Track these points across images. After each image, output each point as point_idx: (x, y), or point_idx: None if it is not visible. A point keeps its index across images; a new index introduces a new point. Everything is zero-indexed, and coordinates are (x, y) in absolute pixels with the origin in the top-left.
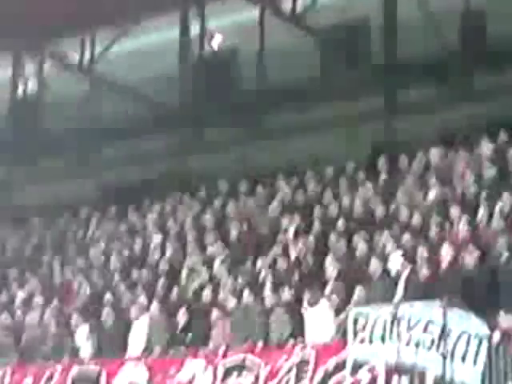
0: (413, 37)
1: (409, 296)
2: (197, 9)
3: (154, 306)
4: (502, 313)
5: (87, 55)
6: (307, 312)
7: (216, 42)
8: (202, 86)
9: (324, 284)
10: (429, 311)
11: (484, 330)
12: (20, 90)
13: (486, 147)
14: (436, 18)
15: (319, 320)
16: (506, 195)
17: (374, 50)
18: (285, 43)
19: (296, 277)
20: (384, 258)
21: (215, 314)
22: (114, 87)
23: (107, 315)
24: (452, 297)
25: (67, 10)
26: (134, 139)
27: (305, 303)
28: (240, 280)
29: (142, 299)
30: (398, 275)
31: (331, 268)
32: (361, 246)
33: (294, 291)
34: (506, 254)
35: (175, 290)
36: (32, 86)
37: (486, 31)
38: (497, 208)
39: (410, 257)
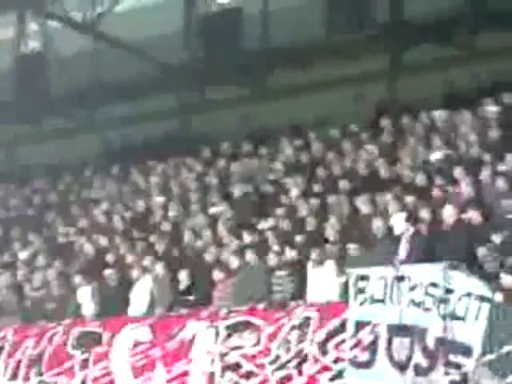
0: None
1: (412, 256)
2: None
3: (157, 266)
4: (503, 274)
5: (91, 13)
6: (311, 272)
7: (220, 0)
8: (206, 45)
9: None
10: (430, 273)
11: (485, 291)
12: (23, 49)
13: (490, 108)
14: None
15: (322, 281)
16: (509, 156)
17: (380, 9)
18: (289, 2)
19: (299, 238)
20: (387, 219)
21: (218, 274)
22: (118, 46)
23: (110, 275)
24: (454, 258)
25: None
26: (137, 99)
27: (309, 263)
28: (243, 240)
29: (145, 259)
30: (402, 236)
31: (331, 230)
32: (364, 207)
33: (298, 252)
34: (510, 215)
35: (178, 251)
36: (35, 44)
37: None
38: (500, 169)
39: (413, 218)
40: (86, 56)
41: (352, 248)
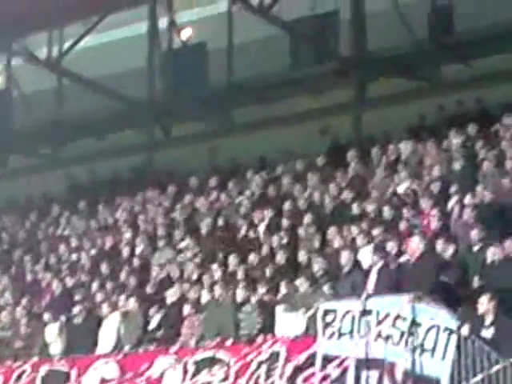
0: (381, 29)
1: (380, 289)
2: (165, 2)
3: (124, 302)
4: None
5: (55, 50)
6: (278, 307)
7: (185, 36)
8: (171, 81)
9: (296, 278)
10: (398, 305)
11: (453, 323)
12: None
13: (455, 139)
14: (404, 10)
15: (290, 315)
16: (473, 187)
17: (344, 43)
18: (254, 36)
19: (268, 272)
20: (355, 252)
21: (186, 309)
22: (83, 82)
23: (78, 312)
24: (421, 291)
25: (34, 4)
26: (103, 135)
27: (277, 298)
28: (211, 275)
29: (113, 296)
30: (370, 269)
31: (303, 262)
32: (331, 240)
33: (266, 286)
34: (477, 246)
35: (146, 286)
36: (0, 82)
37: (453, 23)
38: (467, 200)
39: (381, 250)
40: (50, 93)
41: (318, 282)
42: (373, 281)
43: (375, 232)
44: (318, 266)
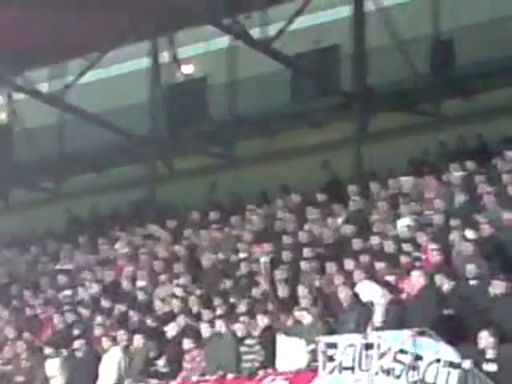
0: (383, 64)
1: (384, 323)
2: (167, 37)
3: (126, 337)
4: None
5: (57, 85)
6: (279, 341)
7: (186, 71)
8: (173, 115)
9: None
10: (399, 340)
11: (454, 357)
12: None
13: (455, 174)
14: (405, 45)
15: (291, 349)
16: (474, 221)
17: (345, 77)
18: (255, 70)
19: (269, 306)
20: (355, 286)
21: (187, 343)
22: (85, 117)
23: (79, 347)
24: (423, 325)
25: (37, 40)
26: (104, 169)
27: (278, 332)
28: (212, 309)
29: (114, 330)
30: (370, 303)
31: (303, 297)
32: (332, 274)
33: (267, 320)
34: (477, 280)
35: (148, 321)
36: (2, 116)
37: (455, 57)
38: (467, 234)
39: (385, 285)
40: (52, 127)
41: (321, 315)
42: (379, 316)
43: (377, 266)
44: (316, 300)
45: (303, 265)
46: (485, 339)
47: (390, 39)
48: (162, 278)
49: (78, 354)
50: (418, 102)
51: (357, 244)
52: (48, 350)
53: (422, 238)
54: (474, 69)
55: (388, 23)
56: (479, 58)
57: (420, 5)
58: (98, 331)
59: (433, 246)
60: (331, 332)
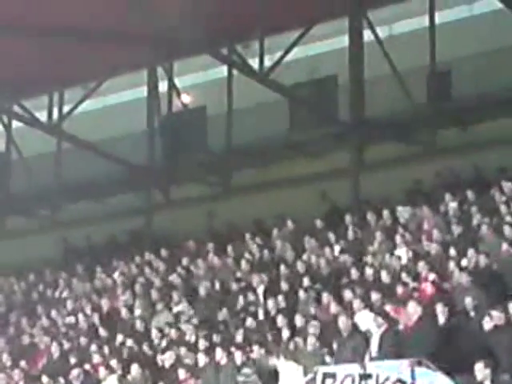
0: (379, 94)
1: (381, 353)
2: (165, 67)
3: (123, 366)
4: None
5: (55, 114)
6: (277, 370)
7: (184, 100)
8: (170, 144)
9: (294, 342)
10: (397, 370)
11: None
12: None
13: (452, 204)
14: (402, 75)
15: (289, 378)
16: (470, 251)
17: (342, 108)
18: (253, 100)
19: (266, 335)
20: (352, 316)
21: (182, 373)
22: (82, 145)
23: (76, 375)
24: (420, 355)
25: (36, 68)
26: (101, 198)
27: (275, 361)
28: (209, 338)
29: (110, 359)
30: (368, 333)
31: (300, 326)
32: (329, 304)
33: (264, 349)
34: (472, 313)
35: (144, 350)
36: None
37: (451, 89)
38: (464, 264)
39: (383, 315)
40: (50, 156)
41: (318, 345)
42: (375, 345)
43: (373, 297)
44: (313, 330)
45: (300, 295)
46: (480, 371)
47: (387, 70)
48: (159, 306)
49: (76, 383)
50: (414, 132)
51: (354, 274)
52: (45, 379)
53: (419, 268)
54: (471, 100)
55: (385, 54)
56: (476, 89)
57: (417, 36)
58: (94, 360)
59: (430, 276)
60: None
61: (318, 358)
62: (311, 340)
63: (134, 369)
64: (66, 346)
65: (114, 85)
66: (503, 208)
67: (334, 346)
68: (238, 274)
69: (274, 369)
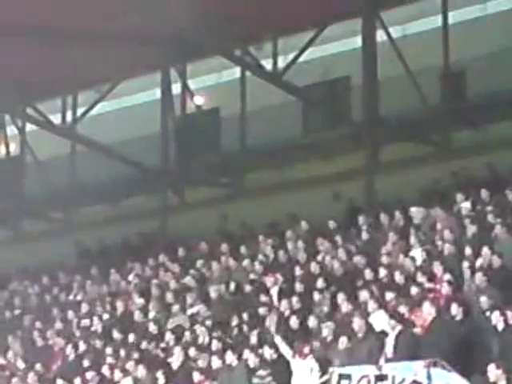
0: (393, 95)
1: (398, 354)
2: (178, 69)
3: (138, 368)
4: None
5: (69, 116)
6: (293, 369)
7: (198, 102)
8: (184, 146)
9: (309, 343)
10: (413, 371)
11: None
12: (1, 152)
13: (466, 204)
14: (416, 75)
15: (305, 379)
16: (485, 251)
17: (355, 108)
18: (266, 102)
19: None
20: (366, 317)
21: (197, 376)
22: (96, 148)
23: (91, 378)
24: (435, 356)
25: (48, 71)
26: (115, 200)
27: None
28: (223, 340)
29: (125, 361)
30: (383, 334)
31: (315, 327)
32: (344, 305)
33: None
34: (487, 313)
35: (158, 352)
36: (14, 148)
37: (465, 89)
38: (478, 264)
39: (395, 316)
40: (64, 158)
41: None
42: (391, 346)
43: (387, 297)
44: (328, 331)
45: (314, 296)
46: (492, 372)
47: (401, 70)
48: (174, 308)
49: None
50: (428, 132)
51: (368, 274)
52: (60, 382)
53: (434, 268)
54: (485, 99)
55: (398, 54)
56: (489, 88)
57: (430, 36)
58: (109, 362)
59: (445, 276)
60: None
61: (333, 358)
62: (326, 341)
63: (148, 371)
64: (81, 348)
65: (127, 87)
66: None
67: (350, 346)
68: (252, 276)
69: (289, 370)
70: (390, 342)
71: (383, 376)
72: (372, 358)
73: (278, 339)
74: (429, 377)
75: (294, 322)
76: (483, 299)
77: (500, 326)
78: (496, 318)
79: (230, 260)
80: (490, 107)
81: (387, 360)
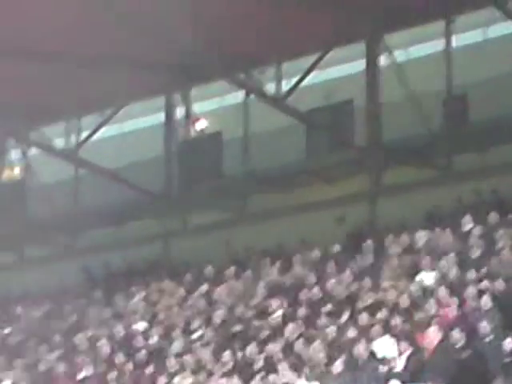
0: (396, 119)
1: (407, 378)
2: (182, 93)
3: None
4: None
5: (72, 140)
6: None
7: (201, 126)
8: (187, 170)
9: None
10: None
11: None
12: (5, 176)
13: (471, 228)
14: (419, 99)
15: None
16: (493, 275)
17: (358, 132)
18: (269, 126)
19: (286, 361)
20: (370, 341)
21: None
22: (99, 172)
23: None
24: (440, 379)
25: (52, 95)
26: (118, 224)
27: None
28: (227, 364)
29: None
30: (385, 359)
31: (319, 353)
32: (347, 330)
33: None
34: (490, 336)
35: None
36: (16, 172)
37: (468, 113)
38: (483, 288)
39: (405, 339)
40: (67, 183)
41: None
42: (400, 369)
43: (392, 322)
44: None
45: (318, 321)
46: None
47: (404, 94)
48: (177, 333)
49: None
50: (432, 156)
51: (371, 299)
52: None
53: (440, 292)
54: (488, 123)
55: (401, 78)
56: (493, 112)
57: (433, 60)
58: None
59: (452, 300)
60: None
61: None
62: (331, 364)
63: None
64: (84, 373)
65: (130, 111)
66: None
67: (353, 370)
68: (256, 300)
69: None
70: (399, 366)
71: None
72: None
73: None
74: None
75: (298, 345)
76: (485, 323)
77: (506, 348)
78: (499, 342)
79: (235, 283)
80: (493, 131)
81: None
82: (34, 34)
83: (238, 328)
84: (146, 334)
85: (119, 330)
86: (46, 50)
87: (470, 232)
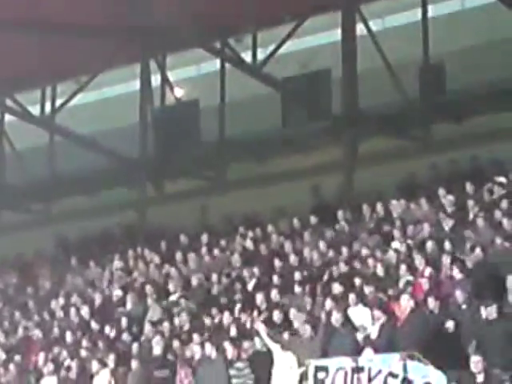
0: (373, 88)
1: (381, 345)
2: (157, 60)
3: (115, 359)
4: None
5: (48, 107)
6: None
7: (177, 94)
8: (163, 138)
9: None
10: (389, 363)
11: (444, 381)
12: None
13: (447, 198)
14: (396, 68)
15: (282, 371)
16: (468, 245)
17: (335, 101)
18: (246, 94)
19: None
20: (345, 310)
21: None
22: (75, 139)
23: (66, 368)
24: (412, 348)
25: (28, 63)
26: (94, 192)
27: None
28: (202, 332)
29: (103, 353)
30: (361, 327)
31: (295, 320)
32: (323, 298)
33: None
34: (466, 305)
35: (136, 345)
36: None
37: (445, 81)
38: (458, 258)
39: (379, 308)
40: (42, 149)
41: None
42: (373, 338)
43: (366, 290)
44: (306, 323)
45: (294, 289)
46: (475, 364)
47: (380, 64)
48: (152, 300)
49: (71, 375)
50: (408, 126)
51: (346, 267)
52: (39, 373)
53: (416, 262)
54: (465, 93)
55: (378, 47)
56: (469, 81)
57: (410, 29)
58: (86, 354)
59: (426, 270)
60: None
61: (310, 351)
62: (305, 333)
63: (126, 362)
64: (59, 339)
65: (106, 78)
66: (499, 201)
67: (327, 339)
68: (231, 268)
69: (267, 363)
70: (373, 334)
71: (360, 368)
72: (350, 350)
73: (262, 330)
74: (405, 369)
75: (275, 314)
76: (459, 292)
77: (479, 320)
78: (473, 312)
79: (209, 252)
80: (470, 100)
81: (373, 351)
82: (8, 2)
83: (212, 295)
84: (121, 301)
85: (94, 297)
86: (22, 19)
87: (445, 202)
